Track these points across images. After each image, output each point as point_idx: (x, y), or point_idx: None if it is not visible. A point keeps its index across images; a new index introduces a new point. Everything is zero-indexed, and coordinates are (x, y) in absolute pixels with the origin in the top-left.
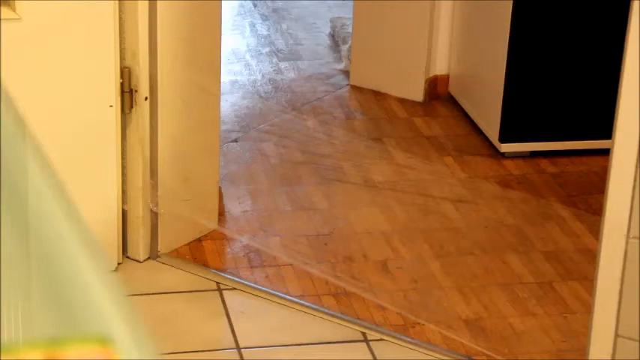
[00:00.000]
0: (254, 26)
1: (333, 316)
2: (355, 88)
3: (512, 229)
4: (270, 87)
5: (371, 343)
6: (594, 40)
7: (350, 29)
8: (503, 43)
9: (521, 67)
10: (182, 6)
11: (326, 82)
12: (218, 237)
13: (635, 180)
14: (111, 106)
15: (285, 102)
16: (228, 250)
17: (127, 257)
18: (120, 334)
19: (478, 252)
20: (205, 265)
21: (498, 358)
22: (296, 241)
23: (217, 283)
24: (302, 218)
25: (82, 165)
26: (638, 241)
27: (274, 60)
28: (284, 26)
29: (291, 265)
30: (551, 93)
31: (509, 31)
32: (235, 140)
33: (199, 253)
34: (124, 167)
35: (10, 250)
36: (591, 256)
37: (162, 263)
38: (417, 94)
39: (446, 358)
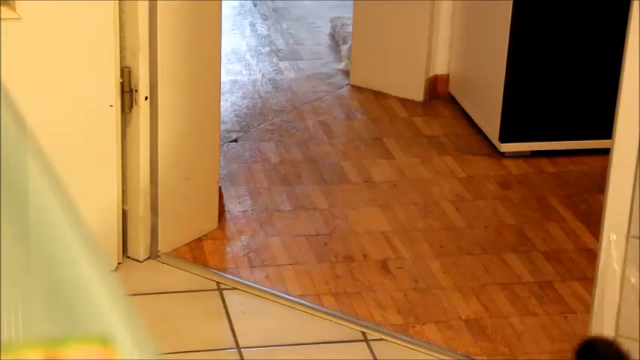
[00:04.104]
0: (254, 26)
1: (333, 316)
2: (355, 88)
3: (512, 229)
4: (270, 87)
5: (371, 343)
6: (594, 41)
7: (350, 29)
8: (503, 43)
9: (521, 67)
10: (182, 6)
11: (326, 82)
12: (218, 237)
13: (635, 180)
14: (111, 105)
15: (285, 102)
16: (228, 250)
17: (127, 257)
18: (120, 334)
19: (478, 252)
20: (205, 265)
21: (498, 358)
22: (296, 241)
23: (217, 283)
24: (302, 218)
25: (82, 165)
26: (638, 241)
27: (274, 60)
28: (284, 26)
29: (291, 265)
30: (551, 93)
31: (509, 31)
32: (235, 140)
33: (199, 253)
34: (124, 167)
35: (10, 250)
36: (591, 256)
37: (162, 263)
38: (417, 94)
39: (446, 358)
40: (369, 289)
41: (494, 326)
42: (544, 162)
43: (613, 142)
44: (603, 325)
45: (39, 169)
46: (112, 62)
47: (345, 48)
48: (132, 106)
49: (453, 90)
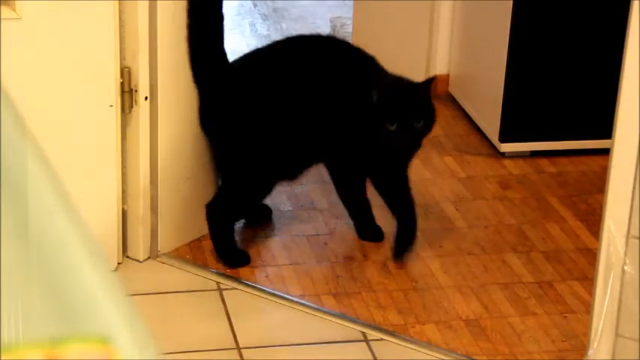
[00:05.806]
0: (254, 26)
1: (333, 316)
2: None
3: (512, 229)
4: None
5: (371, 343)
6: (594, 41)
7: (350, 29)
8: (503, 43)
9: (521, 67)
10: (182, 6)
11: None
12: None
13: (635, 180)
14: (111, 106)
15: None
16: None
17: (127, 257)
18: (120, 334)
19: (478, 252)
20: (205, 265)
21: (498, 358)
22: (296, 241)
23: (217, 283)
24: (302, 218)
25: (82, 165)
26: (638, 241)
27: None
28: (284, 26)
29: (291, 265)
30: (551, 93)
31: (509, 31)
32: None
33: (199, 253)
34: (124, 167)
35: (10, 251)
36: (591, 256)
37: (163, 263)
38: None
39: (446, 358)
40: (369, 289)
41: (494, 326)
42: (544, 162)
43: (613, 142)
44: (603, 325)
45: (39, 169)
46: (112, 62)
47: None
48: (132, 106)
49: (453, 90)
